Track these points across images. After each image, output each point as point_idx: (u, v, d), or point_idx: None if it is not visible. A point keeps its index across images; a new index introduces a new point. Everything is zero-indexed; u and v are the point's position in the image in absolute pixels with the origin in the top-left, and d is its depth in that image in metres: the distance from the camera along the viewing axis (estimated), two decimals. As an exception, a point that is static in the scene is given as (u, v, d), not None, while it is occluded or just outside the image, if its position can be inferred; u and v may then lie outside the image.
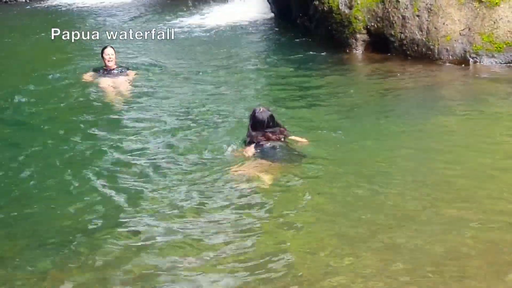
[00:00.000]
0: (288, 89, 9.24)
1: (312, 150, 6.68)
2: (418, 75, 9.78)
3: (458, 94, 9.28)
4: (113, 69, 9.66)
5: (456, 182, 5.94)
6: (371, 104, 8.63)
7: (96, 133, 7.56)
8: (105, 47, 9.82)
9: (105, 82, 9.44)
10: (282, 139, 6.77)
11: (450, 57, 9.91)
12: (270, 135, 6.72)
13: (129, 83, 9.51)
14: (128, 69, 9.91)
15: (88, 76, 9.67)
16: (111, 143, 7.17)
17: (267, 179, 6.10)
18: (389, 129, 7.46)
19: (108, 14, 15.38)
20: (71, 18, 15.01)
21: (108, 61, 9.63)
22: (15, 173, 6.46)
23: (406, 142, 7.03)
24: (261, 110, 6.83)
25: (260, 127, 6.75)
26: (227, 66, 10.59)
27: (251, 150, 6.64)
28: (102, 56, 9.71)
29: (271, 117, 6.82)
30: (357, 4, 10.49)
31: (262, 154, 6.59)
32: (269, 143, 6.66)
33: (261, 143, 6.67)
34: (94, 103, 8.75)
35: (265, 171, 6.25)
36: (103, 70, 9.66)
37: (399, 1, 10.09)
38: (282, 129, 6.84)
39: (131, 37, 12.44)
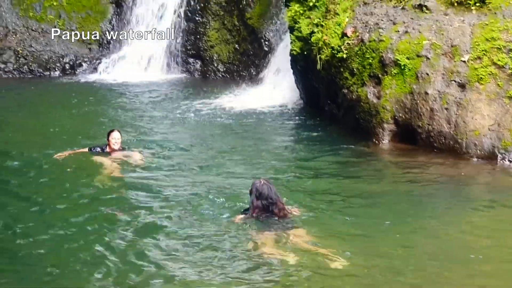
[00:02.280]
0: (312, 177, 9.88)
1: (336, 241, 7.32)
2: (445, 169, 10.34)
3: (485, 190, 9.80)
4: (117, 150, 10.52)
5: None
6: (396, 196, 9.16)
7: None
8: (112, 131, 10.59)
9: (107, 160, 10.23)
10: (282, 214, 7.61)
11: (478, 151, 10.51)
12: (275, 209, 7.58)
13: (131, 162, 10.29)
14: (132, 150, 10.75)
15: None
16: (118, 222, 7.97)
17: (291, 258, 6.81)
18: (413, 224, 8.00)
19: (138, 92, 16.47)
20: (99, 94, 16.09)
21: (114, 144, 10.42)
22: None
23: (429, 237, 7.58)
24: (262, 182, 7.67)
25: (262, 198, 7.58)
26: (247, 151, 11.33)
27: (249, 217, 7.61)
28: (108, 138, 10.45)
29: (272, 188, 7.65)
30: (386, 94, 11.27)
31: (263, 224, 7.46)
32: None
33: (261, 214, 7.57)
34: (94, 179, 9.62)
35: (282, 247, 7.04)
36: (104, 149, 10.50)
37: (428, 93, 10.85)
38: (282, 205, 7.66)
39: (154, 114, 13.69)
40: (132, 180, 9.62)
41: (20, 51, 18.71)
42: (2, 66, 18.48)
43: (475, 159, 10.49)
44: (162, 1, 18.89)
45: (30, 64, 18.62)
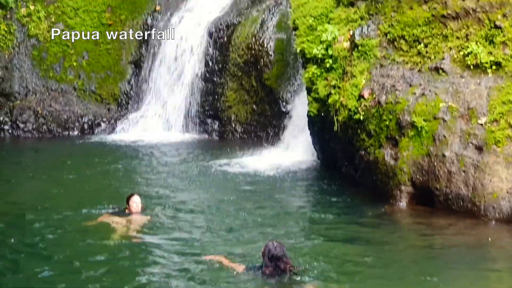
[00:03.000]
0: (326, 241, 9.93)
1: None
2: (463, 232, 10.36)
3: (504, 256, 9.84)
4: (137, 213, 10.66)
5: None
6: (412, 261, 9.22)
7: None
8: (132, 195, 10.77)
9: (128, 223, 10.41)
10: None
11: (497, 214, 10.52)
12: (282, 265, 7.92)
13: (150, 224, 10.47)
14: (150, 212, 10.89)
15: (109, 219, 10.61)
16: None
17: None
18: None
19: (156, 153, 16.63)
20: (117, 155, 16.25)
21: (134, 208, 10.58)
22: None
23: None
24: (275, 244, 8.04)
25: (274, 259, 7.95)
26: (263, 213, 11.38)
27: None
28: (128, 202, 10.62)
29: (283, 249, 8.03)
30: (403, 156, 11.35)
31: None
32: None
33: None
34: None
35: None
36: (124, 212, 10.67)
37: (445, 156, 10.92)
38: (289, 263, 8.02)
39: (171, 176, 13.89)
40: (152, 242, 9.77)
41: (40, 111, 19.02)
42: (22, 125, 18.79)
43: (493, 222, 10.51)
44: (180, 62, 19.20)
45: (49, 123, 18.91)
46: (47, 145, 17.75)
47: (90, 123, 19.14)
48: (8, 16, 19.61)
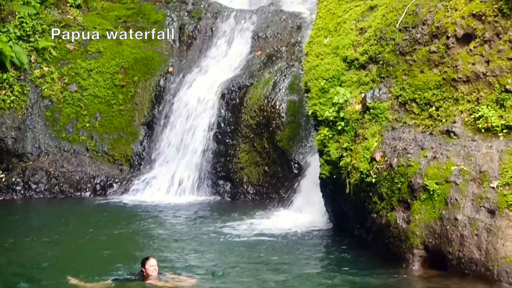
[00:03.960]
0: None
1: None
2: (477, 297, 10.49)
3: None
4: (154, 276, 10.64)
5: None
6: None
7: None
8: (148, 258, 10.74)
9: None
10: None
11: (510, 279, 10.48)
12: None
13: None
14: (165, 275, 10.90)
15: None
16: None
17: None
18: None
19: (167, 214, 16.72)
20: (129, 216, 16.38)
21: (152, 271, 10.56)
22: None
23: None
24: None
25: None
26: (273, 277, 11.34)
27: None
28: (144, 266, 10.60)
29: None
30: (415, 219, 11.42)
31: None
32: None
33: None
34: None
35: None
36: (140, 276, 10.69)
37: (457, 219, 10.98)
38: None
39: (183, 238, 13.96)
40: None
41: (52, 172, 19.26)
42: (34, 186, 19.01)
43: (507, 287, 10.51)
44: (193, 123, 19.45)
45: (61, 184, 19.13)
46: (59, 206, 17.93)
47: (102, 184, 19.35)
48: (22, 77, 20.02)
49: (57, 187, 19.06)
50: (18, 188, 19.03)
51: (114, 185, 19.40)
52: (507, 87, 11.22)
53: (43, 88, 19.97)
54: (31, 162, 19.43)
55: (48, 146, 19.68)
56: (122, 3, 22.09)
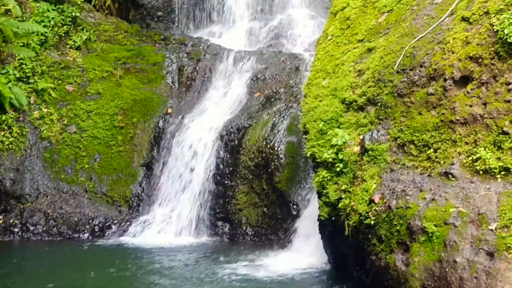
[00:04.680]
0: None
1: None
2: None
3: None
4: None
5: None
6: None
7: None
8: None
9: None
10: None
11: (510, 322, 10.56)
12: None
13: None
14: None
15: None
16: None
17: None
18: None
19: (166, 256, 16.67)
20: (127, 259, 16.29)
21: None
22: None
23: None
24: None
25: None
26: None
27: None
28: None
29: None
30: (414, 261, 11.40)
31: None
32: None
33: None
34: None
35: None
36: None
37: (456, 261, 10.96)
38: None
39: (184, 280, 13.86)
40: None
41: (50, 213, 19.22)
42: (32, 228, 18.96)
43: (507, 330, 10.48)
44: (192, 164, 19.48)
45: (59, 226, 19.07)
46: (58, 248, 17.82)
47: (101, 225, 19.29)
48: (21, 118, 20.07)
49: (55, 228, 19.00)
50: (16, 230, 18.96)
51: (113, 226, 19.34)
52: (505, 129, 11.29)
53: (42, 129, 20.02)
54: (29, 204, 19.39)
55: (47, 187, 19.65)
56: (122, 45, 22.25)
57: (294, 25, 22.81)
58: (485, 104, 11.61)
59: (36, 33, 19.93)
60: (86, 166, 19.95)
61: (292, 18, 23.03)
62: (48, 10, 20.91)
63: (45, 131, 20.03)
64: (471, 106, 11.77)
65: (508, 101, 11.29)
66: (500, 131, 11.39)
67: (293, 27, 22.74)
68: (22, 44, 19.95)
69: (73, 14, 21.43)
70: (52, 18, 20.93)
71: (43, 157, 19.89)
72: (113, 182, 19.86)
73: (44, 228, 19.01)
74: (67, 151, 20.00)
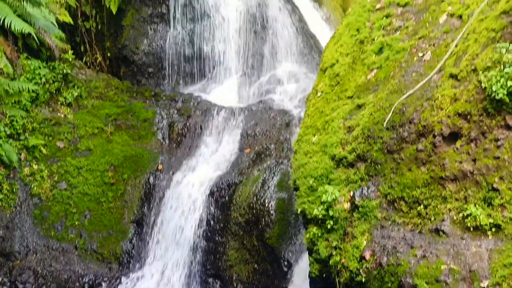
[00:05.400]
0: None
1: None
2: None
3: None
4: None
5: None
6: None
7: None
8: None
9: None
10: None
11: None
12: None
13: None
14: None
15: None
16: None
17: None
18: None
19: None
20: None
21: None
22: None
23: None
24: None
25: None
26: None
27: None
28: None
29: None
30: (407, 319, 11.33)
31: None
32: None
33: None
34: None
35: None
36: None
37: (449, 319, 10.91)
38: None
39: None
40: None
41: (40, 271, 19.02)
42: (21, 286, 18.72)
43: None
44: (182, 221, 19.39)
45: (49, 284, 18.86)
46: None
47: (90, 283, 19.09)
48: (11, 175, 19.97)
49: (44, 286, 18.79)
50: (5, 288, 18.79)
51: (103, 283, 19.14)
52: (495, 185, 11.23)
53: (32, 186, 19.92)
54: (18, 261, 19.20)
55: (37, 244, 19.48)
56: (113, 101, 22.30)
57: (284, 81, 22.93)
58: (474, 160, 11.58)
59: (27, 91, 19.94)
60: (76, 222, 19.81)
61: (282, 74, 23.16)
62: (40, 67, 20.95)
63: (35, 188, 19.92)
64: (460, 162, 11.74)
65: (498, 158, 11.26)
66: (490, 188, 11.34)
67: (283, 83, 22.86)
68: (13, 101, 19.95)
69: (64, 71, 21.48)
70: (44, 75, 20.97)
71: (33, 214, 19.75)
72: (104, 239, 19.70)
73: (34, 287, 18.78)
74: (57, 207, 19.87)
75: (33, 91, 20.41)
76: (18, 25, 14.08)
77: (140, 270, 19.24)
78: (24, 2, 15.19)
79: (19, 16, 15.82)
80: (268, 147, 19.81)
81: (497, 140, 11.41)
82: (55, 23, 20.18)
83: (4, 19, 14.02)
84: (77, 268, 19.33)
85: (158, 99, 22.59)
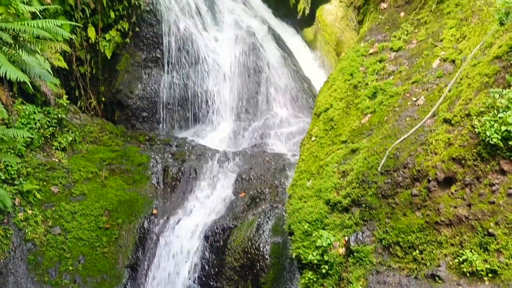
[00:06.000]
0: None
1: None
2: None
3: None
4: None
5: None
6: None
7: None
8: None
9: None
10: None
11: None
12: None
13: None
14: None
15: None
16: None
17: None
18: None
19: None
20: None
21: None
22: None
23: None
24: None
25: None
26: None
27: None
28: None
29: None
30: None
31: None
32: None
33: None
34: None
35: None
36: None
37: None
38: None
39: None
40: None
41: (32, 318, 18.83)
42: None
43: None
44: (177, 266, 19.24)
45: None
46: None
47: (83, 327, 18.92)
48: (5, 220, 19.83)
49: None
50: (-3, 334, 18.56)
51: (96, 328, 18.96)
52: (490, 230, 11.16)
53: (26, 231, 19.76)
54: (11, 308, 19.03)
55: (30, 291, 19.33)
56: (107, 146, 22.26)
57: (278, 125, 22.95)
58: (469, 205, 11.51)
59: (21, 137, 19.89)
60: (71, 268, 19.62)
61: (276, 119, 23.20)
62: (34, 112, 20.93)
63: (29, 233, 19.76)
64: (455, 207, 11.66)
65: (493, 203, 11.20)
66: (485, 233, 11.25)
67: (277, 127, 22.89)
68: (8, 147, 19.89)
69: (59, 116, 21.46)
70: (38, 120, 20.94)
71: (27, 259, 19.57)
72: (98, 284, 19.50)
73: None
74: (51, 253, 19.69)
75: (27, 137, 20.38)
76: (13, 74, 14.11)
77: (135, 315, 19.09)
78: (20, 50, 15.22)
79: (14, 62, 15.84)
80: (262, 191, 19.74)
81: (492, 185, 11.36)
82: (50, 70, 20.18)
83: (-1, 68, 14.09)
84: (70, 314, 19.14)
85: (152, 143, 22.57)
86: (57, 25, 15.41)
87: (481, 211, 11.43)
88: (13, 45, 15.18)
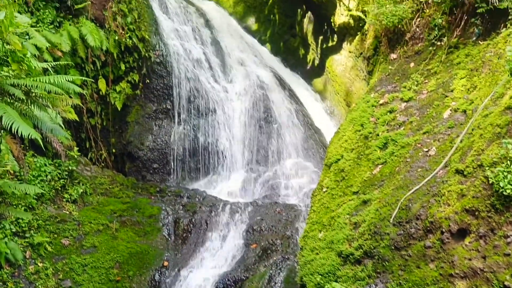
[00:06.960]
0: None
1: None
2: None
3: None
4: None
5: None
6: None
7: None
8: None
9: None
10: None
11: None
12: None
13: None
14: None
15: None
16: None
17: None
18: None
19: None
20: None
21: None
22: None
23: None
24: None
25: None
26: None
27: None
28: None
29: None
30: None
31: None
32: None
33: None
34: None
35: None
36: None
37: None
38: None
39: None
40: None
41: None
42: None
43: None
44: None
45: None
46: None
47: None
48: (16, 273, 19.66)
49: None
50: None
51: None
52: (506, 283, 10.95)
53: (37, 284, 19.57)
54: None
55: None
56: (118, 198, 22.19)
57: (289, 176, 22.87)
58: (484, 257, 11.33)
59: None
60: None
61: (288, 169, 23.12)
62: (45, 165, 20.92)
63: (40, 286, 19.57)
64: (470, 259, 11.49)
65: (508, 255, 11.01)
66: (501, 285, 11.04)
67: (288, 178, 22.79)
68: (19, 202, 19.82)
69: (70, 168, 21.43)
70: (49, 172, 20.92)
71: (37, 313, 19.38)
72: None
73: None
74: (63, 305, 19.52)
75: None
76: (25, 131, 14.10)
77: None
78: (32, 105, 15.26)
79: (25, 115, 15.88)
80: (274, 242, 19.55)
81: (506, 236, 11.19)
82: (62, 125, 20.24)
83: (11, 124, 14.09)
84: None
85: (163, 195, 22.48)
86: (68, 80, 15.44)
87: (496, 263, 11.25)
88: (25, 101, 15.21)
